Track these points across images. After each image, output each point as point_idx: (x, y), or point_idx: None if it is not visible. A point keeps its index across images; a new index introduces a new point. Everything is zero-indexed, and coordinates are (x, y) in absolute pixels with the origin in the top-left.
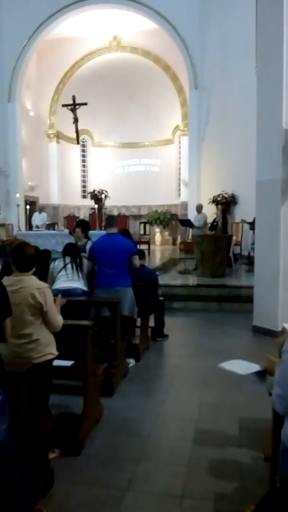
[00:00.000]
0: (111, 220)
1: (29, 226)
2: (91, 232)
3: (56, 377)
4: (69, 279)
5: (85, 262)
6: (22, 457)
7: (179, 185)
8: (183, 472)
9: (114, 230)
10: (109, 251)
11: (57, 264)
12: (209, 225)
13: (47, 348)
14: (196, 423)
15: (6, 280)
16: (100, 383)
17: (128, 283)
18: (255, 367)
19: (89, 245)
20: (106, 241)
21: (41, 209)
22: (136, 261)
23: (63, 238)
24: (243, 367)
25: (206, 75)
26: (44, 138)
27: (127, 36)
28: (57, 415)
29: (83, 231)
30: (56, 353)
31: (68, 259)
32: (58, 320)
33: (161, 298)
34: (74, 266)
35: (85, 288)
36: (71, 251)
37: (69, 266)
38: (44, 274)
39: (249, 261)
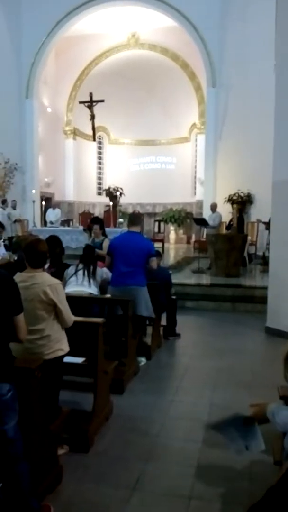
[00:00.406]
0: (135, 218)
1: (44, 222)
2: (107, 229)
3: (67, 374)
4: (79, 284)
5: (99, 270)
6: (31, 453)
7: (195, 183)
8: (191, 473)
9: (136, 228)
10: (128, 249)
11: (70, 270)
12: (225, 224)
13: (58, 344)
14: (206, 423)
15: (18, 276)
16: (110, 380)
17: (143, 282)
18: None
19: (106, 242)
20: (126, 238)
21: (55, 205)
22: (154, 263)
23: (77, 234)
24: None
25: (224, 73)
26: (61, 134)
27: (145, 34)
28: (67, 411)
29: (101, 228)
30: (67, 349)
31: (80, 266)
32: (70, 316)
33: (174, 297)
34: (86, 272)
35: (95, 293)
36: (87, 259)
37: (80, 272)
38: (54, 260)
39: (264, 261)
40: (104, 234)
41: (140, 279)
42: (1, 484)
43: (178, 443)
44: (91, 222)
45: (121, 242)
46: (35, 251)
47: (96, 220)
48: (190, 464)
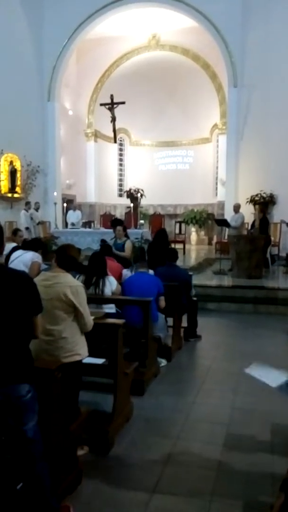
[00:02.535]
0: (143, 261)
1: (65, 224)
2: (128, 231)
3: (87, 374)
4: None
5: (108, 286)
6: (51, 453)
7: (216, 184)
8: (212, 476)
9: (145, 269)
10: (138, 291)
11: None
12: (247, 225)
13: (76, 347)
14: (227, 427)
15: (42, 275)
16: (130, 382)
17: (155, 317)
18: (284, 377)
19: (128, 243)
20: (137, 280)
21: (76, 207)
22: (162, 302)
23: (98, 236)
24: (271, 376)
25: (246, 73)
26: (82, 137)
27: (166, 35)
28: (88, 412)
29: (124, 230)
30: (86, 355)
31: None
32: (90, 320)
33: (195, 298)
34: (97, 290)
35: (112, 311)
36: (97, 271)
37: (91, 288)
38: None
39: (287, 262)
40: (126, 236)
41: (152, 315)
42: (22, 484)
43: (198, 445)
44: (112, 224)
45: (132, 283)
46: (65, 253)
47: (117, 222)
48: (211, 467)
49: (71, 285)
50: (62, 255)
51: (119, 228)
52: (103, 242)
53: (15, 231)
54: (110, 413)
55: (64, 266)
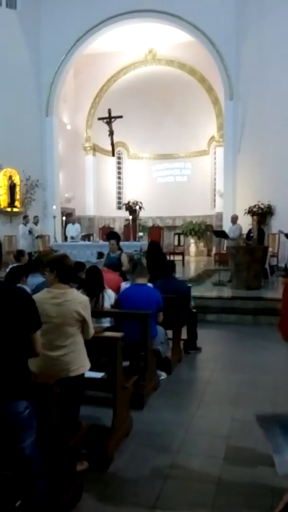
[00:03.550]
0: (142, 270)
1: (65, 237)
2: (126, 243)
3: (86, 388)
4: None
5: (106, 298)
6: (50, 470)
7: (214, 195)
8: (212, 490)
9: (143, 280)
10: (136, 305)
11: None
12: (245, 235)
13: (81, 359)
14: (227, 439)
15: (48, 293)
16: (130, 395)
17: (154, 333)
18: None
19: (123, 257)
20: (135, 292)
21: (75, 221)
22: (160, 317)
23: (98, 249)
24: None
25: (242, 85)
26: (81, 151)
27: (162, 49)
28: (87, 427)
29: (117, 243)
30: (89, 365)
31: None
32: (92, 329)
33: (194, 310)
34: (96, 304)
35: (105, 325)
36: (94, 286)
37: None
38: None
39: (286, 273)
40: (120, 249)
41: (151, 330)
42: (20, 501)
43: (199, 459)
44: (107, 237)
45: (129, 296)
46: (64, 266)
47: (112, 235)
48: (211, 480)
49: (80, 300)
50: (61, 268)
51: (112, 242)
52: (100, 255)
53: (21, 254)
54: (110, 427)
55: (65, 279)
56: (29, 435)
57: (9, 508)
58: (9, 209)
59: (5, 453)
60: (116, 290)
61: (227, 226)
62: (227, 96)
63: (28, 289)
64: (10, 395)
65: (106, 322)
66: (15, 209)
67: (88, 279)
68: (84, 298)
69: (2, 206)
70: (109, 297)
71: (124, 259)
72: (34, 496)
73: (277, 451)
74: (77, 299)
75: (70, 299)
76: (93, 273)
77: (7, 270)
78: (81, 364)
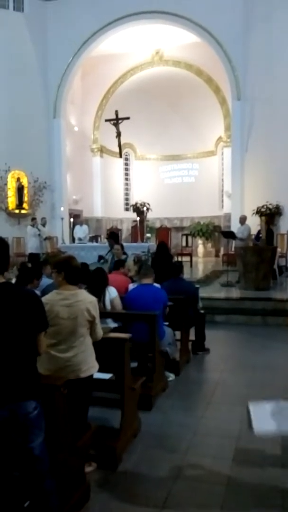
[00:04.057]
0: (147, 270)
1: (72, 238)
2: (134, 244)
3: (94, 389)
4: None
5: (107, 297)
6: (58, 470)
7: (222, 196)
8: (221, 491)
9: (149, 280)
10: (144, 305)
11: None
12: (253, 236)
13: (91, 360)
14: (236, 441)
15: (58, 294)
16: (138, 397)
17: (162, 333)
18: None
19: (129, 262)
20: (141, 292)
21: (83, 222)
22: (166, 311)
23: (105, 250)
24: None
25: (249, 85)
26: (88, 152)
27: (169, 50)
28: (95, 428)
29: (122, 248)
30: (97, 365)
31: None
32: (101, 330)
33: (202, 311)
34: (100, 303)
35: (112, 325)
36: (99, 287)
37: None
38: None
39: None
40: (125, 253)
41: (159, 331)
42: (29, 502)
43: (207, 460)
44: (108, 238)
45: (135, 297)
46: (71, 267)
47: (113, 236)
48: (220, 482)
49: (90, 300)
50: (68, 270)
51: (117, 247)
52: (101, 258)
53: (45, 263)
54: (118, 428)
55: (73, 280)
56: (37, 435)
57: (18, 508)
58: (17, 211)
59: (14, 453)
60: (124, 291)
61: (235, 227)
62: (235, 97)
63: (38, 292)
64: (19, 395)
65: (110, 323)
66: (23, 211)
67: (94, 281)
68: (94, 298)
69: (10, 208)
70: (109, 293)
71: (130, 263)
72: (42, 496)
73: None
74: (87, 299)
75: (81, 299)
76: (99, 275)
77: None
78: (91, 365)
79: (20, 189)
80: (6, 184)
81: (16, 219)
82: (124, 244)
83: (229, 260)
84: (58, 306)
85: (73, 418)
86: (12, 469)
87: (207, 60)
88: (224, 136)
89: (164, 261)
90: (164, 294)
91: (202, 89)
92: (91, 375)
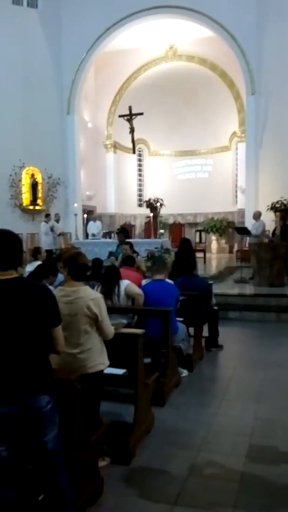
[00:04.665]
0: (160, 266)
1: (86, 234)
2: (147, 240)
3: (108, 385)
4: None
5: (122, 293)
6: (72, 464)
7: (236, 192)
8: (234, 488)
9: (161, 276)
10: (157, 300)
11: (99, 291)
12: (268, 232)
13: (99, 357)
14: (250, 438)
15: (60, 291)
16: (151, 392)
17: (176, 329)
18: None
19: (138, 260)
20: (154, 288)
21: (96, 218)
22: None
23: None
24: None
25: (264, 80)
26: (102, 148)
27: (183, 45)
28: (108, 423)
29: (131, 247)
30: (108, 363)
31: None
32: (111, 329)
33: (215, 307)
34: (114, 298)
35: (124, 321)
36: (111, 276)
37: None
38: (98, 281)
39: None
40: (134, 252)
41: (172, 327)
42: (43, 495)
43: (221, 457)
44: (118, 232)
45: (148, 293)
46: (76, 263)
47: (125, 234)
48: (234, 479)
49: (92, 298)
50: (73, 266)
51: (125, 247)
52: (111, 254)
53: (38, 251)
54: (131, 424)
55: (78, 276)
56: (51, 429)
57: (32, 502)
58: (31, 207)
59: (28, 447)
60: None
61: (249, 223)
62: (249, 91)
63: (52, 288)
64: (32, 389)
65: (123, 318)
66: (37, 207)
67: (106, 278)
68: (97, 296)
69: (24, 204)
70: (123, 284)
71: (140, 262)
72: (56, 490)
73: None
74: (89, 296)
75: (82, 296)
76: (111, 272)
77: (26, 268)
78: (98, 361)
79: (34, 186)
80: (20, 181)
81: (31, 215)
82: (137, 240)
83: (243, 256)
84: (59, 303)
85: (84, 413)
86: (26, 463)
87: (221, 54)
88: (238, 131)
89: (185, 257)
90: (176, 290)
91: (216, 83)
92: (100, 371)
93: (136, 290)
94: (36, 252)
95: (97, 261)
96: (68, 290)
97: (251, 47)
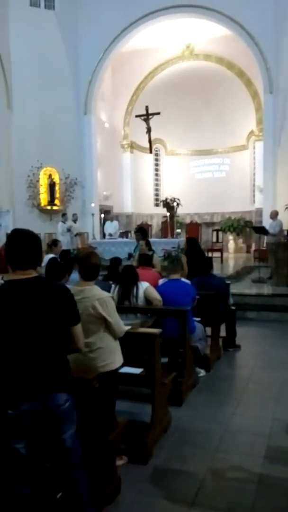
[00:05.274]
0: (175, 266)
1: (103, 234)
2: (164, 240)
3: (125, 384)
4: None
5: (140, 295)
6: (90, 463)
7: (254, 191)
8: (252, 489)
9: (177, 276)
10: (173, 300)
11: (116, 292)
12: (285, 232)
13: (111, 356)
14: (268, 439)
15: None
16: (168, 392)
17: (193, 329)
18: None
19: (155, 258)
20: (170, 287)
21: (113, 218)
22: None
23: (134, 246)
24: None
25: (282, 78)
26: (118, 148)
27: (200, 44)
28: (125, 422)
29: (147, 244)
30: (121, 362)
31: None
32: (121, 327)
33: (233, 307)
34: (132, 298)
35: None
36: (128, 276)
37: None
38: (115, 281)
39: None
40: (151, 249)
41: (189, 326)
42: (61, 493)
43: (238, 458)
44: (138, 231)
45: (165, 292)
46: (87, 263)
47: (140, 231)
48: (252, 480)
49: (98, 297)
50: (84, 266)
51: (141, 243)
52: (130, 256)
53: (55, 242)
54: (148, 423)
55: (88, 276)
56: (69, 427)
57: (50, 500)
58: (49, 207)
59: (46, 445)
60: (154, 286)
61: (267, 222)
62: (267, 90)
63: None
64: (51, 387)
65: (139, 318)
66: (54, 207)
67: (124, 278)
68: (104, 295)
69: (42, 204)
70: (142, 286)
71: (156, 260)
72: (74, 488)
73: None
74: (95, 296)
75: (88, 296)
76: (128, 272)
77: (44, 260)
78: (109, 361)
79: (52, 186)
80: (38, 181)
81: (48, 215)
82: (154, 239)
83: (260, 256)
84: None
85: (101, 412)
86: (44, 460)
87: (238, 53)
88: (256, 130)
89: (194, 256)
90: (193, 288)
91: (233, 82)
92: (113, 371)
93: (155, 294)
94: (52, 244)
95: (115, 260)
96: (75, 289)
97: (269, 45)
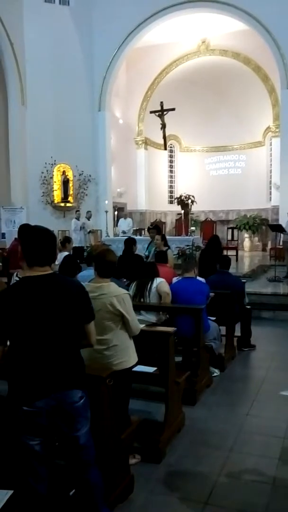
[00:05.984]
0: (188, 265)
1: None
2: (179, 238)
3: (139, 382)
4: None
5: (153, 290)
6: (103, 461)
7: (270, 188)
8: (266, 490)
9: (191, 274)
10: (187, 299)
11: (133, 288)
12: None
13: (126, 354)
14: (283, 440)
15: (86, 287)
16: (182, 391)
17: (207, 327)
18: None
19: (169, 253)
20: (184, 285)
21: (127, 215)
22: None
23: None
24: None
25: None
26: (133, 145)
27: (215, 39)
28: (139, 421)
29: (163, 239)
30: (135, 360)
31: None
32: (137, 325)
33: (248, 306)
34: (146, 293)
35: (153, 320)
36: (148, 272)
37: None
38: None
39: None
40: (166, 245)
41: (204, 324)
42: (74, 490)
43: (252, 458)
44: (149, 230)
45: (179, 290)
46: (104, 260)
47: (155, 228)
48: (266, 481)
49: (116, 294)
50: (100, 263)
51: (157, 237)
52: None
53: (68, 239)
54: (162, 422)
55: (105, 273)
56: (83, 424)
57: (64, 497)
58: (62, 204)
59: (60, 442)
60: (169, 283)
61: (283, 220)
62: (284, 85)
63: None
64: (65, 384)
65: (152, 315)
66: (68, 204)
67: (144, 275)
68: (121, 292)
69: (56, 201)
70: (156, 281)
71: (170, 256)
72: (88, 485)
73: None
74: (112, 293)
75: (105, 292)
76: (150, 269)
77: (58, 257)
78: (124, 358)
79: (65, 183)
80: (52, 178)
81: (62, 212)
82: (168, 237)
83: (277, 254)
84: None
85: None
86: (58, 457)
87: (255, 48)
88: (273, 126)
89: (213, 254)
90: (207, 286)
91: (249, 78)
92: (127, 369)
93: (166, 288)
94: (65, 241)
95: (129, 241)
96: (92, 286)
97: (286, 40)
